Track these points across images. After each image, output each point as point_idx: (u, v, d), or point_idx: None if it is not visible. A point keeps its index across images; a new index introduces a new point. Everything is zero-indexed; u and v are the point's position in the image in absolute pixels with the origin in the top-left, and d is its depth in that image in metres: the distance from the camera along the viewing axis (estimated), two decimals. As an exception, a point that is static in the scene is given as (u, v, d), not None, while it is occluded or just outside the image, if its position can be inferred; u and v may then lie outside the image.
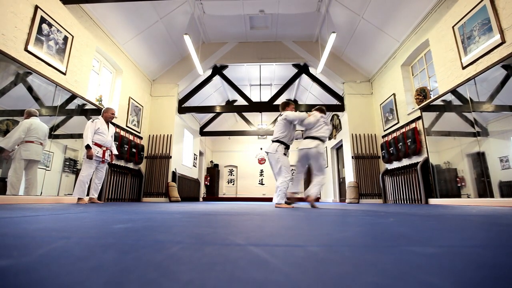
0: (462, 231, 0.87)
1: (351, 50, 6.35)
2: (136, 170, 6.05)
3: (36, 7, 3.52)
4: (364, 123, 6.44)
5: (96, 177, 3.74)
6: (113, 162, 4.50)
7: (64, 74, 4.01)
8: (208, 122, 9.71)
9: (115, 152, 3.97)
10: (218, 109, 7.31)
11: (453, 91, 3.84)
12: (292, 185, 3.34)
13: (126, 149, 5.51)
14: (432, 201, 4.31)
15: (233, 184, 12.73)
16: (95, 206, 2.59)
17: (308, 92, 8.84)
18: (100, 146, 3.65)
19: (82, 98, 4.35)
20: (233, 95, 9.68)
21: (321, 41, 6.53)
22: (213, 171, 11.90)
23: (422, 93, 4.79)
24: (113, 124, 5.26)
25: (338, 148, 8.31)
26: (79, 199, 3.49)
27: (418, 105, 4.80)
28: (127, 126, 5.76)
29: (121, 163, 5.53)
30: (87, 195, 3.68)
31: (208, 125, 9.66)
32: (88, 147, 3.49)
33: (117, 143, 5.22)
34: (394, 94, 5.57)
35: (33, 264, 0.39)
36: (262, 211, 2.02)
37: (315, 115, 3.34)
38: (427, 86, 4.86)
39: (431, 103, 4.38)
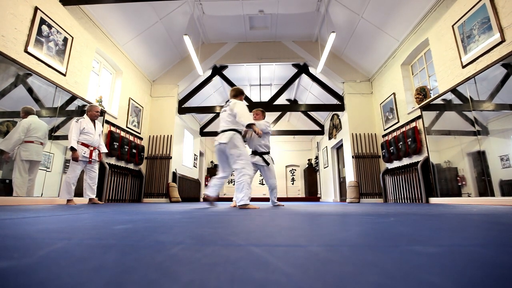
0: (463, 230, 0.87)
1: (350, 49, 6.34)
2: (137, 171, 6.06)
3: (36, 9, 3.52)
4: (364, 123, 6.44)
5: (88, 177, 3.64)
6: (111, 163, 4.47)
7: (64, 75, 4.01)
8: (208, 123, 9.71)
9: (103, 150, 3.83)
10: (218, 110, 7.31)
11: (453, 90, 3.83)
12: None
13: (126, 150, 5.51)
14: (433, 200, 4.30)
15: (234, 185, 12.72)
16: (96, 207, 2.59)
17: (308, 92, 8.84)
18: (87, 146, 3.53)
19: (82, 99, 4.35)
20: (233, 95, 9.66)
21: (321, 41, 6.53)
22: (213, 172, 11.89)
23: (422, 92, 4.79)
24: (113, 124, 5.27)
25: (339, 148, 8.31)
26: (68, 200, 3.42)
27: (418, 104, 4.79)
28: (127, 127, 5.77)
29: (122, 164, 5.53)
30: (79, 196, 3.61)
31: (208, 125, 9.66)
32: (72, 149, 3.34)
33: (117, 143, 5.23)
34: (394, 94, 5.57)
35: (34, 266, 0.39)
36: (262, 212, 2.02)
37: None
38: (427, 85, 4.85)
39: (431, 102, 4.37)
